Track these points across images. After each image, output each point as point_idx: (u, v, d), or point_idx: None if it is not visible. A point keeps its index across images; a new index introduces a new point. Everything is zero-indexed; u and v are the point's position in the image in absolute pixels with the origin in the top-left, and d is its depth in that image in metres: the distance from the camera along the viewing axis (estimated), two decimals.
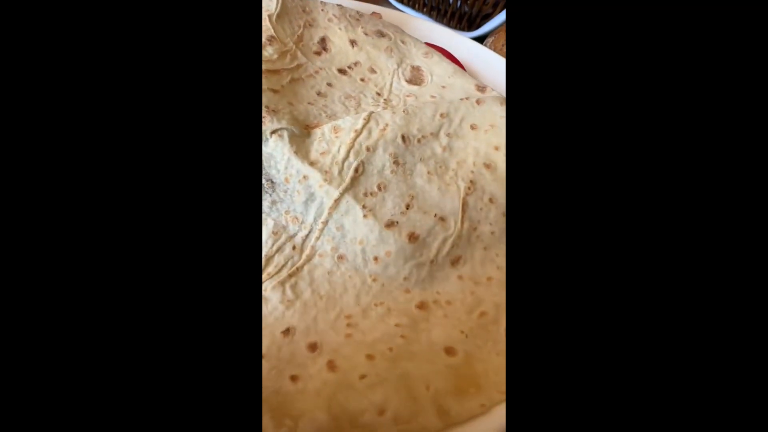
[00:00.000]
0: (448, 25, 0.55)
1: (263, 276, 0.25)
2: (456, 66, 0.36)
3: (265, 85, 0.28)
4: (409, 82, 0.34)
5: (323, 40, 0.34)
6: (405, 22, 0.48)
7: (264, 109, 0.27)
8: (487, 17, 0.54)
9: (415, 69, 0.35)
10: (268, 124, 0.26)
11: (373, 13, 0.44)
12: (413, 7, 0.57)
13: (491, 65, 0.38)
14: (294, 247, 0.26)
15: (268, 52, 0.30)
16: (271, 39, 0.31)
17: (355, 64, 0.34)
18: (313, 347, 0.23)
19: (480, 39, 0.54)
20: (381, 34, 0.36)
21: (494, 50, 0.44)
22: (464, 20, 0.54)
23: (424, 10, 0.56)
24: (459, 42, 0.45)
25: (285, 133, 0.26)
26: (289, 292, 0.25)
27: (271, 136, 0.26)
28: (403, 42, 0.37)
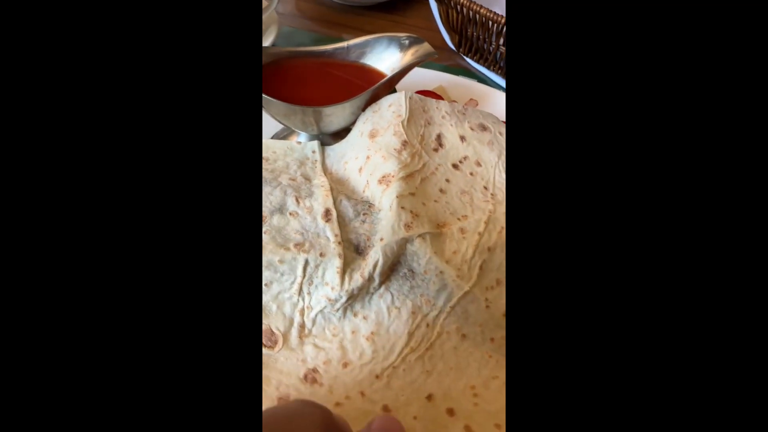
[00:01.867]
0: None
1: (406, 350, 0.32)
2: None
3: (406, 191, 0.35)
4: None
5: (439, 137, 0.40)
6: (490, 95, 0.54)
7: (410, 215, 0.33)
8: None
9: None
10: (415, 229, 0.33)
11: (471, 99, 0.51)
12: (489, 68, 0.63)
13: None
14: (427, 325, 0.33)
15: (403, 156, 0.37)
16: (404, 143, 0.37)
17: (465, 158, 0.40)
18: (450, 412, 0.30)
19: None
20: (483, 128, 0.42)
21: None
22: None
23: (499, 72, 0.62)
24: None
25: (428, 237, 0.33)
26: (427, 362, 0.32)
27: (417, 238, 0.33)
28: (500, 134, 0.43)
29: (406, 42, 0.44)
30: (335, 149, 0.43)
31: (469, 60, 0.64)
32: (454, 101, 0.51)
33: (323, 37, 0.65)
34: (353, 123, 0.42)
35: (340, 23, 0.69)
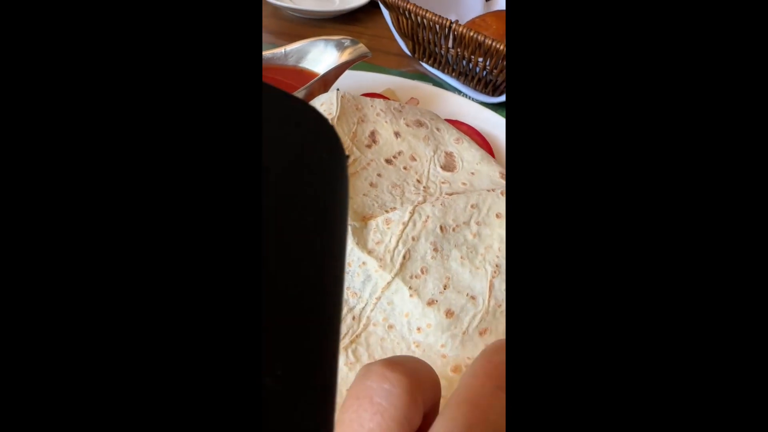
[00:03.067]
0: (475, 88, 0.62)
1: None
2: (483, 152, 0.42)
3: None
4: (443, 168, 0.40)
5: (372, 134, 0.41)
6: (437, 96, 0.55)
7: None
8: None
9: (449, 155, 0.42)
10: None
11: (411, 98, 0.51)
12: (443, 71, 0.64)
13: None
14: (354, 318, 0.33)
15: None
16: None
17: (399, 153, 0.40)
18: None
19: (503, 103, 0.60)
20: (419, 124, 0.43)
21: None
22: (489, 86, 0.60)
23: (453, 74, 0.63)
24: (485, 116, 0.52)
25: (349, 228, 0.33)
26: (351, 356, 0.31)
27: None
28: (438, 129, 0.43)
29: (343, 43, 0.45)
30: None
31: (425, 65, 0.65)
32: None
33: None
34: None
35: (301, 35, 0.71)
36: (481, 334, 0.32)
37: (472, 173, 0.40)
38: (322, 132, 0.15)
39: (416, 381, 0.15)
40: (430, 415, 0.16)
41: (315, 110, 0.14)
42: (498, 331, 0.33)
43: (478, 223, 0.36)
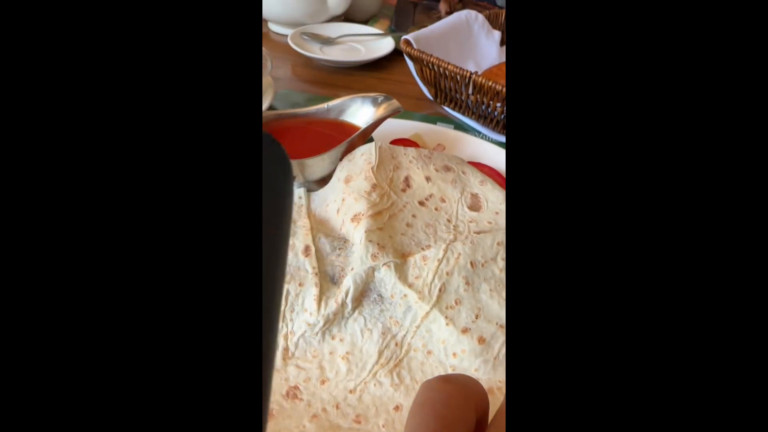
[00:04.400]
0: (493, 129, 0.67)
1: (377, 366, 0.36)
2: (503, 191, 0.47)
3: (374, 226, 0.40)
4: (470, 208, 0.45)
5: (406, 179, 0.46)
6: (459, 140, 0.60)
7: (377, 246, 0.39)
8: None
9: (474, 196, 0.47)
10: (380, 258, 0.38)
11: (438, 145, 0.57)
12: (464, 114, 0.70)
13: None
14: (396, 344, 0.37)
15: (372, 197, 0.43)
16: (374, 186, 0.43)
17: (430, 196, 0.45)
18: None
19: None
20: (447, 168, 0.48)
21: None
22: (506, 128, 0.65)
23: (473, 117, 0.69)
24: (502, 158, 0.57)
25: (392, 265, 0.38)
26: (395, 378, 0.36)
27: (382, 266, 0.38)
28: (463, 173, 0.48)
29: (378, 99, 0.51)
30: (319, 194, 0.49)
31: (446, 108, 0.71)
32: (425, 147, 0.57)
33: (315, 96, 0.74)
34: (333, 171, 0.49)
35: (330, 83, 0.78)
36: None
37: (497, 213, 0.45)
38: (281, 155, 0.17)
39: (469, 390, 0.19)
40: (481, 422, 0.20)
41: (275, 139, 0.17)
42: None
43: (503, 259, 0.40)
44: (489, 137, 0.65)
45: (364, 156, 0.46)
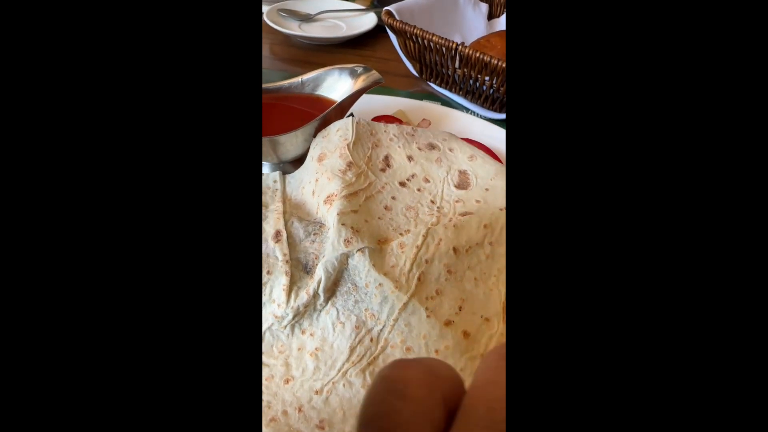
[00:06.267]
0: (482, 106, 0.63)
1: (347, 365, 0.32)
2: (498, 166, 0.43)
3: (348, 208, 0.36)
4: (458, 186, 0.41)
5: (386, 158, 0.42)
6: (446, 116, 0.56)
7: (350, 231, 0.35)
8: None
9: (462, 173, 0.43)
10: (354, 244, 0.34)
11: (423, 119, 0.53)
12: (451, 90, 0.65)
13: None
14: (371, 339, 0.34)
15: (348, 176, 0.38)
16: (349, 164, 0.39)
17: (413, 176, 0.41)
18: None
19: None
20: (432, 147, 0.44)
21: None
22: (496, 103, 0.61)
23: (460, 93, 0.64)
24: (492, 133, 0.53)
25: (366, 251, 0.34)
26: (368, 377, 0.32)
27: (356, 252, 0.34)
28: (450, 150, 0.44)
29: (357, 71, 0.46)
30: (295, 176, 0.44)
31: (432, 85, 0.67)
32: (410, 124, 0.53)
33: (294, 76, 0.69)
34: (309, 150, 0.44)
35: (310, 62, 0.73)
36: None
37: (487, 189, 0.41)
38: None
39: (434, 376, 0.14)
40: (455, 415, 0.16)
41: None
42: None
43: (491, 243, 0.37)
44: (479, 114, 0.61)
45: (340, 132, 0.42)
